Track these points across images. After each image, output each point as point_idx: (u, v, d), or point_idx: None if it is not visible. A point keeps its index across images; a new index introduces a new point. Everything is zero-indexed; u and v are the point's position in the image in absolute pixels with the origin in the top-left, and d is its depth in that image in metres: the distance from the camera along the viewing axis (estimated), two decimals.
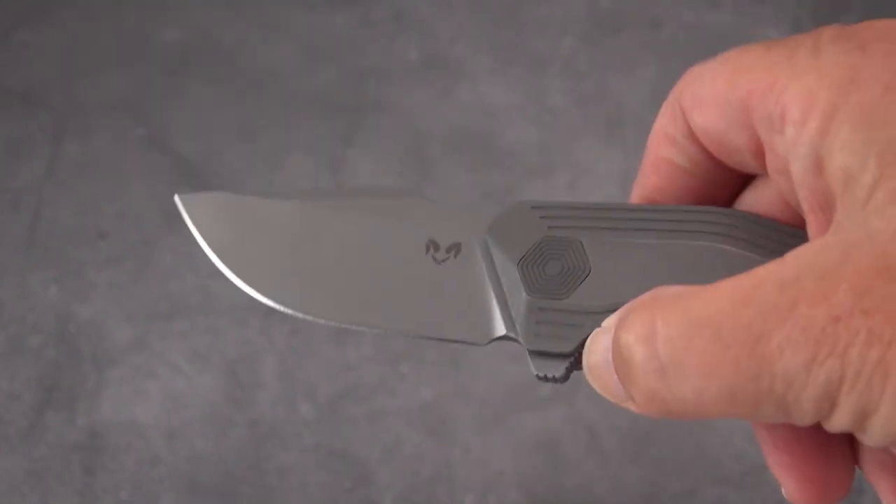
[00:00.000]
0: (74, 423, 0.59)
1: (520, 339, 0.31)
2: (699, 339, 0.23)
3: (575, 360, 0.30)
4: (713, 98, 0.29)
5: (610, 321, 0.28)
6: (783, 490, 0.29)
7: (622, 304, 0.28)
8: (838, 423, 0.22)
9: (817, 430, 0.24)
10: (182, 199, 0.38)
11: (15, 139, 0.70)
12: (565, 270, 0.31)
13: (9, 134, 0.71)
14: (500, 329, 0.32)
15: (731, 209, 0.31)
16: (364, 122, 0.71)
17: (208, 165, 0.69)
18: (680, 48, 0.74)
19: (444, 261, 0.33)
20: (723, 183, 0.32)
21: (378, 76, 0.73)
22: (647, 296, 0.26)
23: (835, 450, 0.28)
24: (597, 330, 0.29)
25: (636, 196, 0.33)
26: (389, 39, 0.75)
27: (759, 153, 0.29)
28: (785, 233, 0.30)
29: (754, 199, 0.31)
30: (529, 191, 0.67)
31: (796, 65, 0.27)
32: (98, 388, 0.60)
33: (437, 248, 0.33)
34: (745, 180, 0.32)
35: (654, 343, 0.24)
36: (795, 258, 0.23)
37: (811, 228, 0.26)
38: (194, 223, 0.38)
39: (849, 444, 0.28)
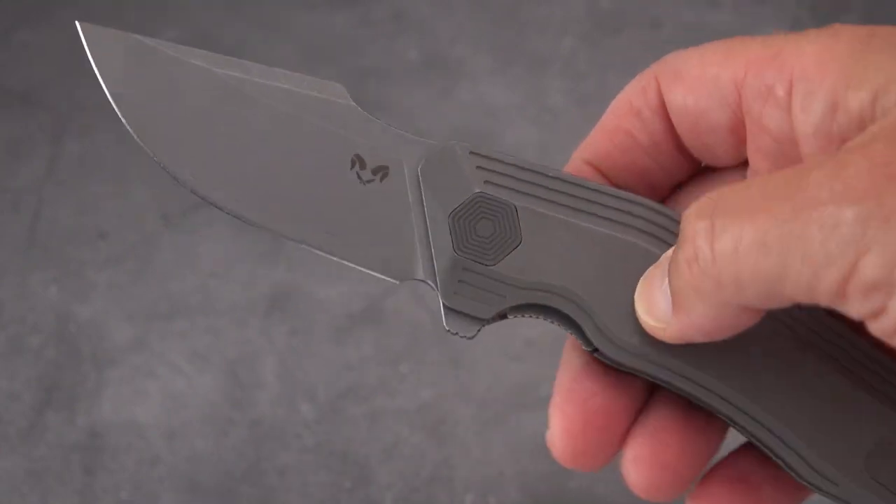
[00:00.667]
0: (74, 423, 0.59)
1: (438, 291, 0.30)
2: (745, 189, 0.24)
3: (489, 323, 0.30)
4: (700, 75, 0.29)
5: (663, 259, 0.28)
6: (548, 438, 0.31)
7: (546, 283, 0.29)
8: (866, 275, 0.22)
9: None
10: (84, 30, 0.34)
11: (15, 139, 0.70)
12: (496, 235, 0.30)
13: (9, 134, 0.71)
14: (419, 272, 0.31)
15: (666, 209, 0.30)
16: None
17: None
18: (680, 48, 0.74)
19: (368, 181, 0.31)
20: (671, 168, 0.32)
21: (378, 76, 0.73)
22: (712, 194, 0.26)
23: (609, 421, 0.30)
24: (646, 273, 0.28)
25: (579, 158, 0.33)
26: (389, 39, 0.75)
27: (737, 132, 0.29)
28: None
29: (699, 194, 0.31)
30: None
31: (803, 37, 0.27)
32: (98, 388, 0.60)
33: (363, 165, 0.32)
34: (690, 172, 0.32)
35: (711, 207, 0.25)
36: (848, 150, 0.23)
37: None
38: (97, 62, 0.35)
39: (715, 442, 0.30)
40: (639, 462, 0.31)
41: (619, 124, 0.32)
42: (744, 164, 0.31)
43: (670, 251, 0.27)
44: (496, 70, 0.73)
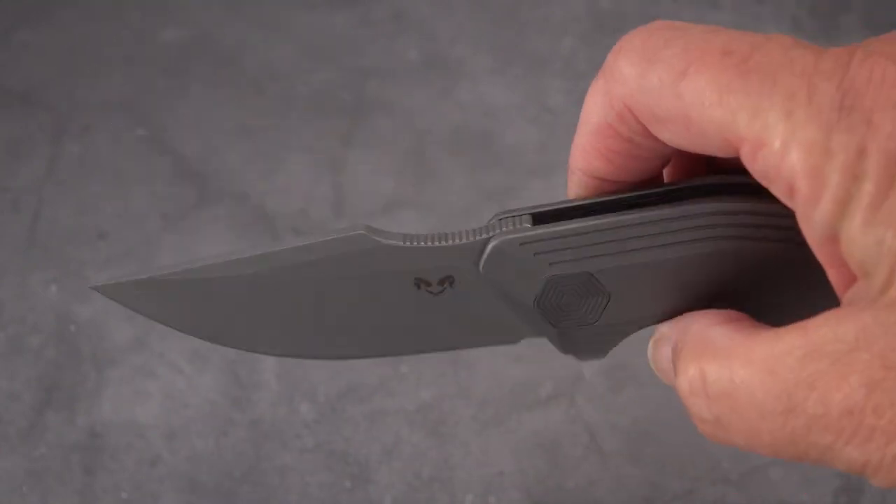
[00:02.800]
0: (74, 423, 0.59)
1: (552, 343, 0.32)
2: (740, 403, 0.25)
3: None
4: (683, 123, 0.27)
5: (664, 329, 0.30)
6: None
7: (650, 317, 0.30)
8: (874, 481, 0.24)
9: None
10: (105, 291, 0.34)
11: (15, 139, 0.70)
12: (586, 302, 0.31)
13: (9, 134, 0.71)
14: (530, 333, 0.32)
15: (716, 202, 0.30)
16: (364, 122, 0.71)
17: (208, 165, 0.69)
18: None
19: (440, 293, 0.32)
20: (681, 156, 0.32)
21: (378, 76, 0.73)
22: (696, 336, 0.28)
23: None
24: (654, 340, 0.30)
25: (580, 173, 0.32)
26: (389, 39, 0.75)
27: (732, 149, 0.27)
28: (774, 214, 0.29)
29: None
30: (529, 191, 0.67)
31: (796, 126, 0.24)
32: (98, 388, 0.60)
33: (427, 283, 0.32)
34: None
35: (705, 397, 0.27)
36: (816, 329, 0.24)
37: (829, 274, 0.26)
38: (149, 316, 0.35)
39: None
40: None
41: (610, 147, 0.30)
42: None
43: (668, 354, 0.29)
44: (496, 70, 0.73)
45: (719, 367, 0.26)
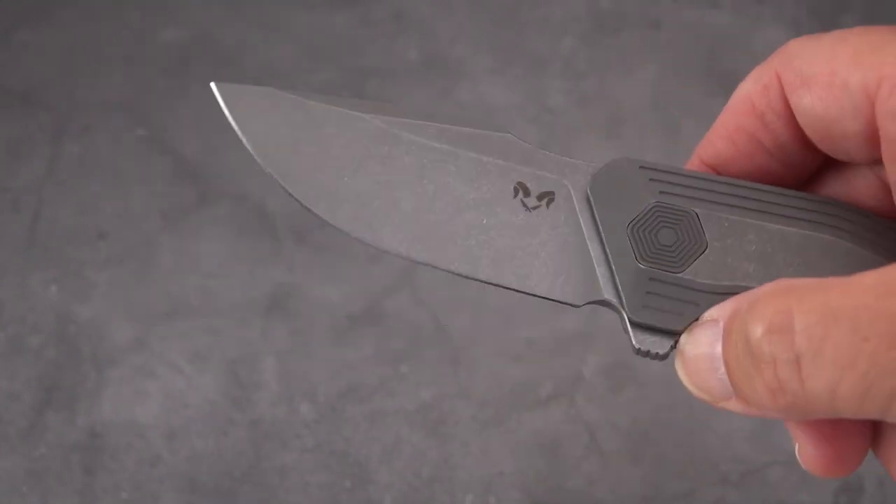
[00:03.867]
0: (74, 423, 0.59)
1: (624, 307, 0.29)
2: (838, 329, 0.23)
3: (679, 336, 0.28)
4: (827, 79, 0.27)
5: (717, 312, 0.27)
6: (799, 454, 0.29)
7: (740, 286, 0.28)
8: None
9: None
10: (221, 90, 0.33)
11: (15, 139, 0.70)
12: (680, 241, 0.29)
13: (9, 134, 0.71)
14: (600, 292, 0.30)
15: (840, 201, 0.29)
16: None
17: (208, 165, 0.69)
18: (680, 48, 0.74)
19: (535, 208, 0.30)
20: (797, 166, 0.31)
21: (378, 76, 0.73)
22: (773, 286, 0.25)
23: (855, 427, 0.28)
24: (700, 321, 0.28)
25: (698, 161, 0.31)
26: (389, 39, 0.75)
27: (873, 141, 0.27)
28: (891, 228, 0.29)
29: (843, 187, 0.30)
30: None
31: None
32: (98, 388, 0.60)
33: (526, 192, 0.31)
34: (818, 167, 0.31)
35: (790, 333, 0.24)
36: None
37: None
38: (237, 122, 0.34)
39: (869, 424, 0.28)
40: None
41: (740, 125, 0.30)
42: (879, 161, 0.30)
43: (718, 344, 0.26)
44: (496, 70, 0.73)
45: (812, 298, 0.24)
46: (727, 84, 0.72)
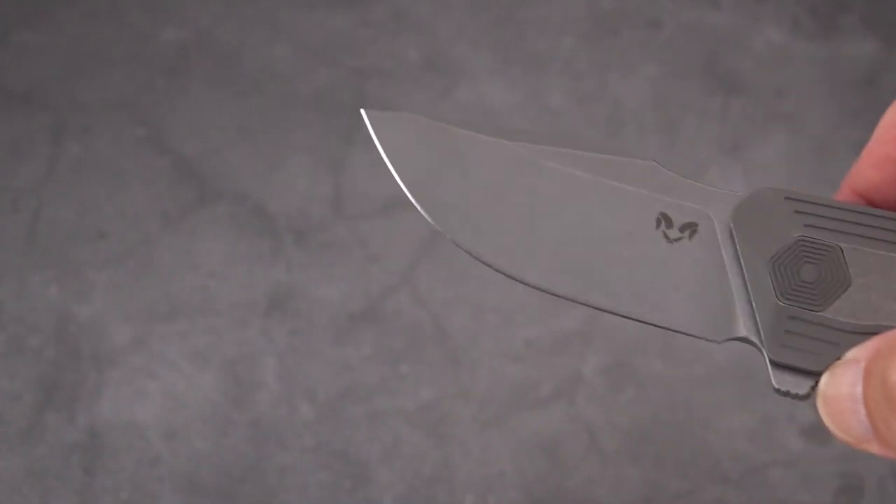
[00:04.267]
0: (74, 423, 0.59)
1: (763, 346, 0.28)
2: None
3: (820, 376, 0.27)
4: None
5: (859, 352, 0.26)
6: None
7: (883, 326, 0.27)
8: None
9: None
10: (370, 116, 0.33)
11: (15, 139, 0.70)
12: (823, 278, 0.28)
13: (9, 134, 0.71)
14: (740, 329, 0.28)
15: None
16: (364, 122, 0.71)
17: (208, 165, 0.69)
18: (680, 48, 0.74)
19: (677, 240, 0.30)
20: None
21: (378, 76, 0.73)
22: None
23: None
24: (841, 361, 0.27)
25: (848, 189, 0.31)
26: (389, 39, 0.75)
27: None
28: None
29: None
30: None
31: None
32: (98, 388, 0.60)
33: (669, 223, 0.30)
34: None
35: None
36: None
37: None
38: (385, 149, 0.33)
39: None
40: None
41: (887, 153, 0.29)
42: None
43: (859, 386, 0.25)
44: (496, 70, 0.73)
45: None
46: (727, 84, 0.72)
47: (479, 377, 0.60)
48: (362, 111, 0.33)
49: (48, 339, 0.62)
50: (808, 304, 0.28)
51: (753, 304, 0.28)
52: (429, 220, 0.31)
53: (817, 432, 0.57)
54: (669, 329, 0.29)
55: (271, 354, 0.61)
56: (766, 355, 0.28)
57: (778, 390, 0.28)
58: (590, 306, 0.30)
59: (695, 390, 0.59)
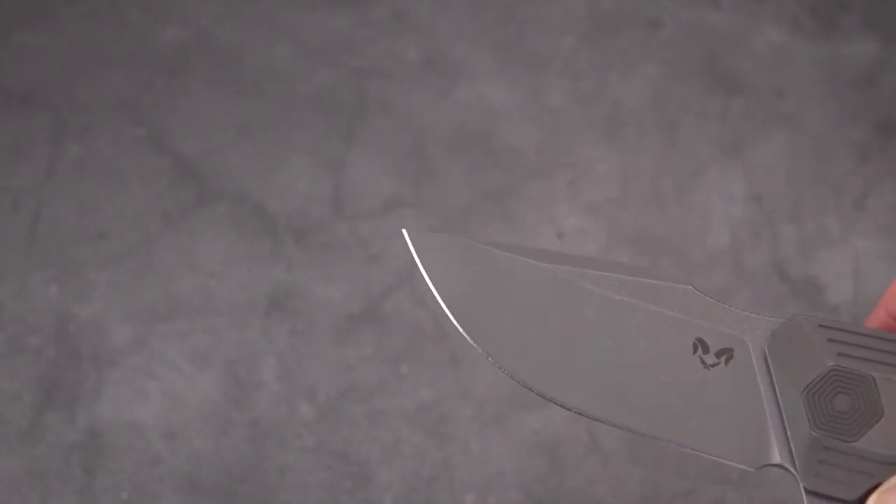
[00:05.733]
0: (74, 423, 0.59)
1: (798, 475, 0.29)
2: None
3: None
4: None
5: None
6: None
7: None
8: None
9: None
10: (412, 238, 0.34)
11: (15, 139, 0.70)
12: (856, 408, 0.28)
13: (9, 134, 0.71)
14: (775, 457, 0.29)
15: None
16: (364, 122, 0.71)
17: (208, 165, 0.69)
18: (680, 48, 0.74)
19: (713, 366, 0.30)
20: None
21: (378, 76, 0.73)
22: None
23: None
24: (881, 491, 0.27)
25: (882, 310, 0.31)
26: (389, 39, 0.75)
27: None
28: None
29: None
30: (529, 191, 0.67)
31: None
32: (98, 388, 0.60)
33: (706, 349, 0.31)
34: None
35: None
36: None
37: None
38: (426, 267, 0.34)
39: None
40: None
41: None
42: None
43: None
44: (496, 70, 0.73)
45: None
46: (727, 84, 0.72)
47: (479, 377, 0.60)
48: (404, 232, 0.33)
49: (48, 339, 0.62)
50: (841, 434, 0.28)
51: (788, 432, 0.29)
52: (469, 340, 0.32)
53: None
54: (705, 454, 0.30)
55: (271, 354, 0.61)
56: (801, 484, 0.29)
57: None
58: (628, 430, 0.30)
59: None
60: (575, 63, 0.74)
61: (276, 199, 0.67)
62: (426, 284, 0.32)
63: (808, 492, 0.28)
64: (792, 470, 0.29)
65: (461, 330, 0.32)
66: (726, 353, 0.30)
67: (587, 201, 0.66)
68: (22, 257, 0.65)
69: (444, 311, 0.32)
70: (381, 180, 0.68)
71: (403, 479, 0.57)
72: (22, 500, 0.56)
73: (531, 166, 0.68)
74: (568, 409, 0.31)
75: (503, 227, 0.65)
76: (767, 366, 0.30)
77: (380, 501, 0.56)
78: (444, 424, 0.58)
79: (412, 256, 0.33)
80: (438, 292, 0.32)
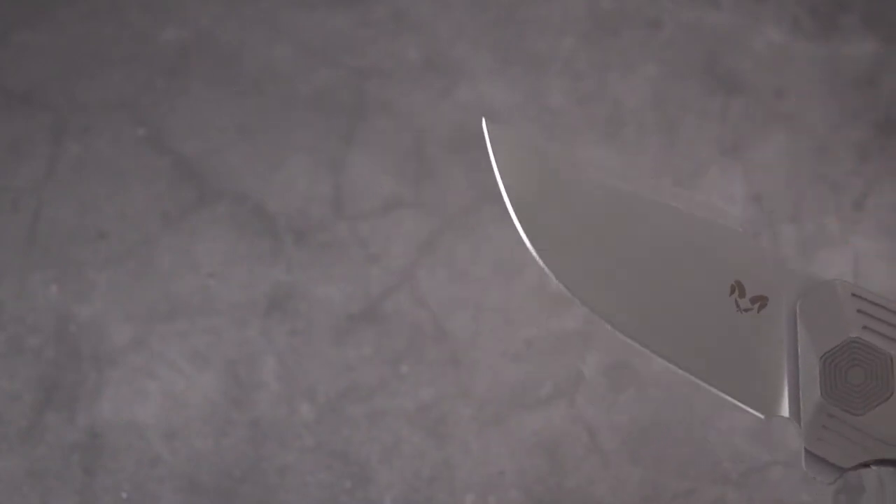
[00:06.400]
0: (74, 423, 0.59)
1: (801, 434, 0.30)
2: None
3: (849, 471, 0.29)
4: None
5: None
6: None
7: None
8: None
9: None
10: (490, 130, 0.34)
11: (15, 139, 0.70)
12: (867, 384, 0.29)
13: (9, 134, 0.71)
14: (783, 410, 0.30)
15: None
16: (364, 122, 0.71)
17: (208, 165, 0.69)
18: (680, 48, 0.74)
19: (746, 310, 0.31)
20: None
21: (378, 76, 0.73)
22: None
23: None
24: None
25: None
26: (389, 39, 0.75)
27: None
28: None
29: None
30: None
31: None
32: (98, 388, 0.60)
33: (742, 292, 0.31)
34: None
35: None
36: None
37: None
38: (496, 157, 0.35)
39: None
40: None
41: None
42: None
43: None
44: (496, 70, 0.73)
45: None
46: (727, 84, 0.72)
47: (479, 377, 0.60)
48: (483, 121, 0.34)
49: (48, 339, 0.62)
50: (848, 406, 0.29)
51: (800, 392, 0.30)
52: (523, 237, 0.33)
53: None
54: (721, 393, 0.31)
55: (271, 354, 0.61)
56: (802, 442, 0.30)
57: (807, 473, 0.30)
58: (650, 351, 0.31)
59: (695, 390, 0.59)
60: (575, 63, 0.74)
61: (276, 199, 0.67)
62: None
63: (808, 452, 0.29)
64: (797, 426, 0.30)
65: (518, 226, 0.33)
66: (761, 301, 0.31)
67: None
68: (22, 257, 0.65)
69: (506, 205, 0.33)
70: (381, 180, 0.68)
71: (403, 479, 0.57)
72: (22, 500, 0.56)
73: None
74: (596, 315, 0.31)
75: (503, 227, 0.65)
76: (795, 323, 0.30)
77: (380, 501, 0.56)
78: (444, 424, 0.58)
79: (486, 148, 0.33)
80: (504, 185, 0.33)
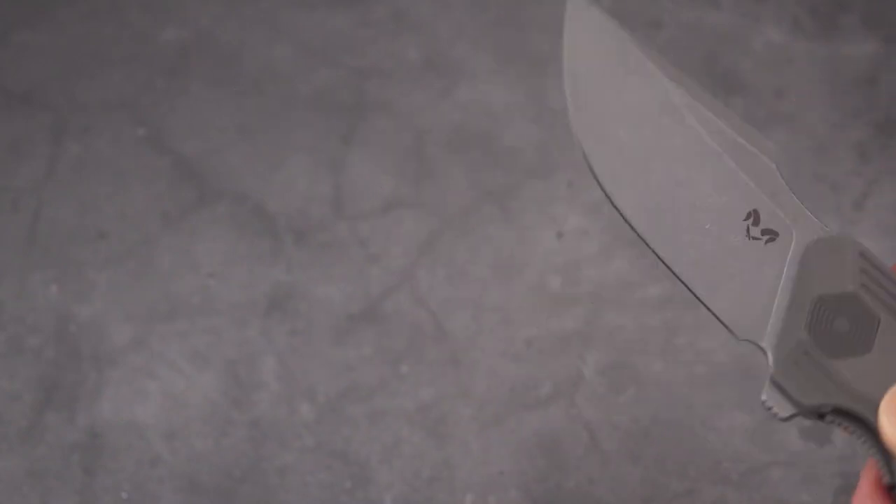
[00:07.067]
0: (74, 423, 0.59)
1: (770, 362, 0.30)
2: None
3: (804, 414, 0.30)
4: None
5: None
6: None
7: (879, 400, 0.29)
8: None
9: None
10: (571, 3, 0.37)
11: (15, 139, 0.70)
12: (849, 336, 0.30)
13: (9, 134, 0.71)
14: (762, 338, 0.31)
15: None
16: (364, 122, 0.71)
17: (208, 165, 0.69)
18: (680, 48, 0.74)
19: (755, 238, 0.32)
20: None
21: (378, 76, 0.73)
22: None
23: None
24: (893, 391, 0.29)
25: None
26: (389, 39, 0.75)
27: None
28: None
29: None
30: (529, 191, 0.67)
31: None
32: (98, 388, 0.60)
33: (756, 221, 0.32)
34: None
35: None
36: None
37: None
38: (567, 32, 0.37)
39: None
40: None
41: None
42: None
43: None
44: (496, 70, 0.73)
45: None
46: (727, 84, 0.72)
47: (479, 377, 0.60)
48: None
49: (48, 339, 0.62)
50: (825, 349, 0.30)
51: (784, 325, 0.31)
52: (570, 117, 0.35)
53: (817, 432, 0.57)
54: (706, 306, 0.32)
55: (271, 354, 0.61)
56: (770, 371, 0.30)
57: (764, 402, 0.30)
58: (655, 253, 0.33)
59: (695, 390, 0.59)
60: None
61: (276, 199, 0.67)
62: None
63: (773, 382, 0.30)
64: (769, 356, 0.31)
65: (568, 101, 0.35)
66: (771, 235, 0.32)
67: (587, 201, 0.66)
68: (22, 257, 0.65)
69: (563, 80, 0.35)
70: (381, 180, 0.68)
71: (403, 479, 0.57)
72: (22, 500, 0.56)
73: (531, 166, 0.68)
74: (614, 207, 0.33)
75: (503, 227, 0.65)
76: (799, 263, 0.31)
77: (380, 501, 0.56)
78: (444, 424, 0.58)
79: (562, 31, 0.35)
80: (566, 64, 0.36)
